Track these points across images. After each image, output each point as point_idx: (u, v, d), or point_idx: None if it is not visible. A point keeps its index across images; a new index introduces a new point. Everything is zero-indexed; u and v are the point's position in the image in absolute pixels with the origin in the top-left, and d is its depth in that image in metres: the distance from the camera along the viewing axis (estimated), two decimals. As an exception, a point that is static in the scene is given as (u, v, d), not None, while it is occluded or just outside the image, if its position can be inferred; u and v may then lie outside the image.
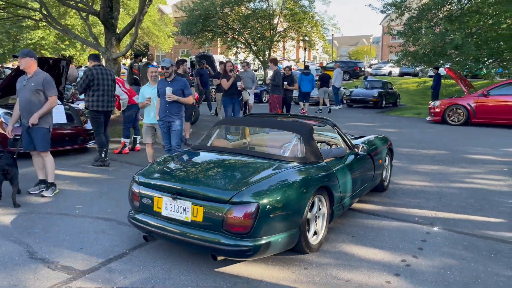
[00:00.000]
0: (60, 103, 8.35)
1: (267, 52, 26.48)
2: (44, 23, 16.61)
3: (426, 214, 5.01)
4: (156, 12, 41.40)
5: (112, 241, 4.13)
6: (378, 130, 11.32)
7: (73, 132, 8.08)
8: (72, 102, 10.79)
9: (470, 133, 11.33)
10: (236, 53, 28.52)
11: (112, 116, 8.80)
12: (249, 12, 25.75)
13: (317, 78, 17.14)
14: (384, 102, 18.64)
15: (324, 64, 49.53)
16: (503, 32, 16.30)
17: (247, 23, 24.93)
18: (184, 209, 3.47)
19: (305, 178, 3.79)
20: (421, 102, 21.59)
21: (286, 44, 31.48)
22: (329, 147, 5.12)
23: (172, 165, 4.11)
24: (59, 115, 7.86)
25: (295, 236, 3.59)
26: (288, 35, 27.66)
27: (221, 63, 11.61)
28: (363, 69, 34.82)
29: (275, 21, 26.14)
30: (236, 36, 26.06)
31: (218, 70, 12.50)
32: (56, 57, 19.42)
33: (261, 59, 26.76)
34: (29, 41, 28.46)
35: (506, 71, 20.00)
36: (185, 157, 4.35)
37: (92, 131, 7.99)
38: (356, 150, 4.84)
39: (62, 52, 32.72)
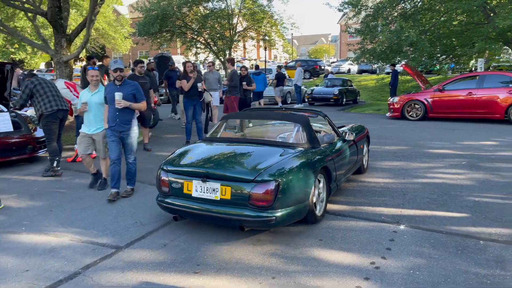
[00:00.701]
0: (6, 110, 7.77)
1: (227, 52, 26.24)
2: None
3: (392, 212, 4.97)
4: (111, 13, 40.07)
5: (62, 261, 3.78)
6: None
7: (21, 141, 7.53)
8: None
9: (428, 128, 11.60)
10: (196, 54, 28.08)
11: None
12: (208, 12, 25.41)
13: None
14: (344, 99, 18.88)
15: (284, 63, 50.01)
16: (455, 28, 16.91)
17: (206, 23, 24.59)
18: (213, 190, 4.06)
19: (311, 160, 4.51)
20: (380, 99, 22.09)
21: (247, 43, 31.35)
22: (320, 134, 5.68)
23: (194, 154, 4.64)
24: (4, 123, 7.29)
25: (305, 208, 4.30)
26: (248, 35, 27.54)
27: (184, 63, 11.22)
28: (323, 67, 35.28)
29: (235, 20, 25.94)
30: (195, 36, 25.64)
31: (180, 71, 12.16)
32: (1, 61, 18.31)
33: (222, 59, 26.49)
34: (-26, 45, 26.78)
35: (458, 66, 20.82)
36: (202, 147, 4.86)
37: (42, 139, 7.48)
38: (344, 137, 5.67)
39: (12, 55, 31.03)
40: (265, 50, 26.41)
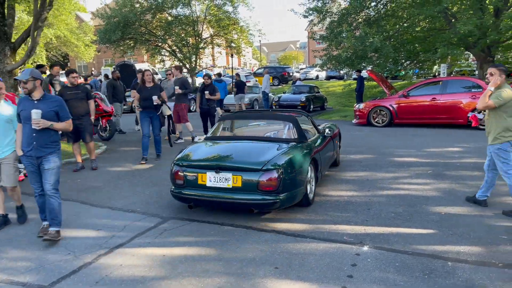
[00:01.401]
0: None
1: (193, 60, 25.68)
2: None
3: (355, 231, 4.60)
4: (73, 20, 38.78)
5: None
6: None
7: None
8: None
9: (394, 134, 11.46)
10: (162, 61, 27.38)
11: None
12: (172, 18, 24.80)
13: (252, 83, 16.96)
14: (312, 106, 18.69)
15: (252, 70, 49.83)
16: (418, 34, 17.02)
17: (170, 29, 23.96)
18: (226, 179, 4.76)
19: (304, 152, 5.34)
20: (347, 104, 22.06)
21: (214, 50, 30.89)
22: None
23: (204, 151, 5.35)
24: None
25: (302, 193, 5.09)
26: (215, 42, 27.08)
27: (139, 71, 10.48)
28: (291, 74, 35.22)
29: (200, 27, 25.44)
30: (160, 44, 24.96)
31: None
32: None
33: (188, 67, 25.90)
34: None
35: (422, 71, 21.06)
36: (208, 144, 5.57)
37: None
38: (324, 133, 6.59)
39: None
40: (232, 57, 26.06)
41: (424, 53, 16.43)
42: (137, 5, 24.05)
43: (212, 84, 10.48)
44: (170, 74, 10.87)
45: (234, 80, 18.04)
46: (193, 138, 10.43)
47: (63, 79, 13.11)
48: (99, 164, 8.25)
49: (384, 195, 5.91)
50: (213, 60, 35.64)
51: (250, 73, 38.01)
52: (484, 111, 5.18)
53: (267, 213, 5.18)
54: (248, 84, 28.63)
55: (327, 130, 6.63)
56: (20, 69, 10.60)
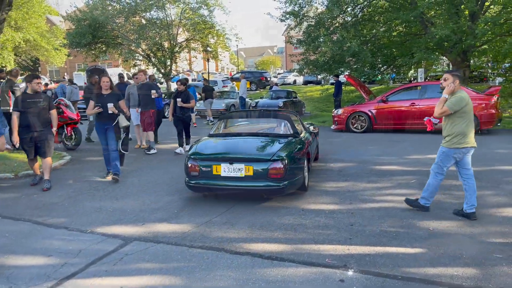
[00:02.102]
0: None
1: (168, 64, 25.01)
2: None
3: (338, 251, 4.18)
4: (44, 23, 37.44)
5: None
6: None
7: None
8: None
9: (374, 140, 11.18)
10: (135, 65, 26.58)
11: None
12: (146, 22, 24.09)
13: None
14: (289, 111, 18.36)
15: (229, 75, 49.32)
16: (395, 39, 16.94)
17: (143, 33, 23.24)
18: (239, 169, 5.45)
19: (301, 145, 6.24)
20: (325, 109, 21.85)
21: (191, 54, 30.27)
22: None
23: (215, 145, 6.05)
24: None
25: (302, 179, 5.94)
26: (191, 46, 26.48)
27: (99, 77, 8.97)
28: (269, 79, 34.93)
29: (175, 31, 24.81)
30: (133, 47, 24.19)
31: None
32: None
33: (163, 71, 25.21)
34: None
35: (399, 76, 21.06)
36: (216, 140, 6.25)
37: None
38: (309, 130, 7.66)
39: None
40: (208, 61, 25.48)
41: (401, 57, 16.34)
42: (109, 8, 23.25)
43: (187, 90, 9.84)
44: (137, 79, 10.20)
45: (203, 85, 17.70)
46: (149, 148, 9.72)
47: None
48: (60, 176, 7.58)
49: (367, 208, 5.52)
50: (190, 64, 34.97)
51: (228, 78, 37.51)
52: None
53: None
54: (225, 88, 28.19)
55: (311, 128, 7.86)
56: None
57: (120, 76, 12.34)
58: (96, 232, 4.85)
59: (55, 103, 9.33)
